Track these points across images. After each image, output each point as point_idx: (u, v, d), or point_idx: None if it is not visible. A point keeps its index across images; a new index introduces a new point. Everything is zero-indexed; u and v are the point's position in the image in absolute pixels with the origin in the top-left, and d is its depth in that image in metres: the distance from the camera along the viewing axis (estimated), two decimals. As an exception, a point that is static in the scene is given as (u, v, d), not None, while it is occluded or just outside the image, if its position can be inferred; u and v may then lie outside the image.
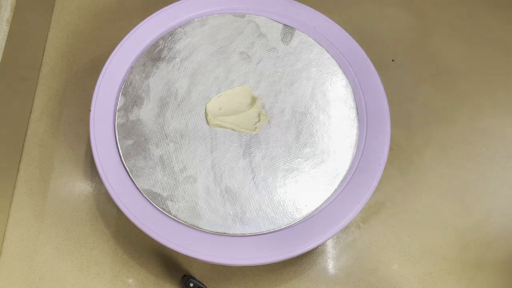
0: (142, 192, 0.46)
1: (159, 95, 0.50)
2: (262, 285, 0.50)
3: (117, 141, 0.48)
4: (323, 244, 0.52)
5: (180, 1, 0.55)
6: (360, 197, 0.46)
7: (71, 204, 0.53)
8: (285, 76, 0.51)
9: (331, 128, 0.49)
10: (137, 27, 0.53)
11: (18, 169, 0.55)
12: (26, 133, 0.57)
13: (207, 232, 0.45)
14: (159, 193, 0.46)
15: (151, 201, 0.46)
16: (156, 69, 0.51)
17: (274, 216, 0.45)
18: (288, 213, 0.45)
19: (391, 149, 0.50)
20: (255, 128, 0.49)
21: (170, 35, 0.53)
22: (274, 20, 0.54)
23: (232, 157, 0.47)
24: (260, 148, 0.48)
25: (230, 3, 0.55)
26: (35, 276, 0.50)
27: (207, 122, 0.49)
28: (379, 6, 0.66)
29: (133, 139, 0.48)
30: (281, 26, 0.53)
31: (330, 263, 0.51)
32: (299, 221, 0.45)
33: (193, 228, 0.45)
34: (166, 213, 0.45)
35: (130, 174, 0.47)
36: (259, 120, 0.49)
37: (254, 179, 0.46)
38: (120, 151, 0.48)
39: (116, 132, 0.48)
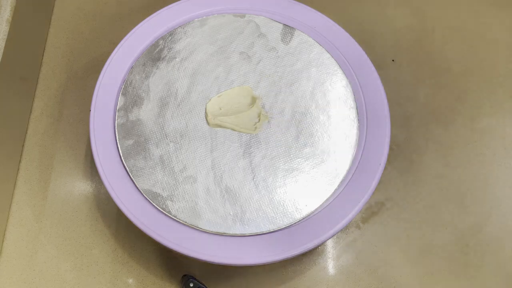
0: (142, 192, 0.46)
1: (159, 95, 0.50)
2: (262, 285, 0.50)
3: (117, 141, 0.48)
4: (323, 244, 0.52)
5: (180, 1, 0.55)
6: (360, 197, 0.46)
7: (71, 204, 0.53)
8: (285, 76, 0.51)
9: (331, 128, 0.49)
10: (137, 27, 0.53)
11: (18, 169, 0.55)
12: (26, 133, 0.57)
13: (207, 232, 0.45)
14: (159, 193, 0.46)
15: (151, 201, 0.46)
16: (156, 69, 0.51)
17: (274, 216, 0.45)
18: (288, 213, 0.45)
19: (391, 149, 0.50)
20: (255, 128, 0.49)
21: (170, 35, 0.53)
22: (274, 20, 0.54)
23: (232, 157, 0.47)
24: (260, 148, 0.48)
25: (230, 3, 0.55)
26: (35, 276, 0.50)
27: (207, 122, 0.49)
28: (379, 6, 0.66)
29: (133, 139, 0.48)
30: (281, 26, 0.53)
31: (330, 263, 0.51)
32: (299, 221, 0.45)
33: (193, 228, 0.45)
34: (166, 213, 0.45)
35: (130, 174, 0.47)
36: (259, 120, 0.49)
37: (254, 179, 0.46)
38: (120, 151, 0.48)
39: (116, 132, 0.48)
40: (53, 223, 0.52)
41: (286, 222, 0.45)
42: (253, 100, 0.50)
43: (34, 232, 0.52)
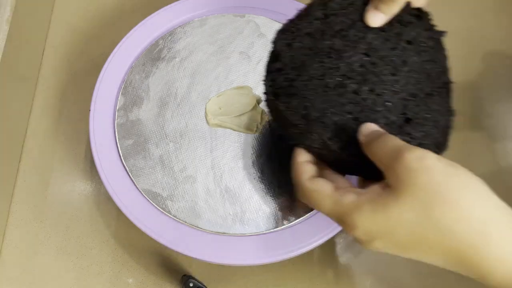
0: (142, 192, 0.46)
1: (159, 95, 0.50)
2: (262, 285, 0.50)
3: (117, 141, 0.48)
4: (323, 244, 0.52)
5: (180, 1, 0.55)
6: (360, 197, 0.45)
7: (71, 204, 0.53)
8: (285, 76, 0.51)
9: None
10: (137, 27, 0.53)
11: (17, 169, 0.55)
12: (25, 133, 0.57)
13: (207, 232, 0.45)
14: (159, 193, 0.46)
15: (151, 201, 0.46)
16: (156, 69, 0.51)
17: (274, 216, 0.45)
18: (288, 213, 0.45)
19: (391, 149, 0.50)
20: (255, 128, 0.49)
21: (170, 35, 0.53)
22: (274, 20, 0.54)
23: (232, 157, 0.47)
24: (260, 148, 0.48)
25: (230, 3, 0.55)
26: (35, 276, 0.50)
27: (207, 122, 0.49)
28: (379, 6, 0.66)
29: (132, 139, 0.48)
30: (281, 26, 0.53)
31: (330, 263, 0.51)
32: (299, 221, 0.45)
33: (193, 228, 0.45)
34: (166, 213, 0.45)
35: (130, 174, 0.47)
36: (259, 120, 0.49)
37: (254, 179, 0.46)
38: (120, 151, 0.48)
39: (116, 132, 0.48)
40: (53, 223, 0.52)
41: (286, 222, 0.45)
42: (253, 100, 0.50)
43: (34, 232, 0.52)
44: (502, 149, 0.58)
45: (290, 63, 0.35)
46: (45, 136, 0.57)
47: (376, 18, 0.34)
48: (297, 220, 0.45)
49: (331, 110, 0.33)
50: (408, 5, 0.35)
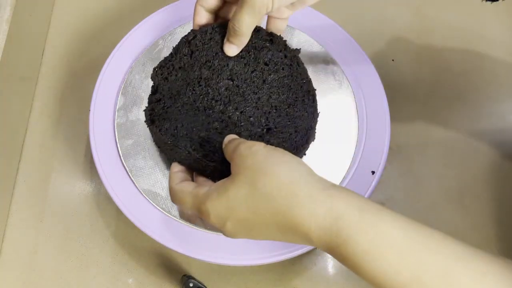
0: (142, 192, 0.46)
1: (159, 95, 0.50)
2: (262, 285, 0.50)
3: (117, 141, 0.48)
4: (323, 244, 0.52)
5: (180, 1, 0.55)
6: (360, 197, 0.45)
7: (71, 204, 0.53)
8: (285, 76, 0.51)
9: (331, 128, 0.49)
10: (136, 27, 0.53)
11: (17, 169, 0.55)
12: (25, 133, 0.57)
13: (207, 232, 0.45)
14: (158, 193, 0.46)
15: (151, 201, 0.46)
16: (156, 69, 0.51)
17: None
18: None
19: (391, 149, 0.50)
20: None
21: (170, 35, 0.53)
22: (274, 20, 0.54)
23: (232, 157, 0.47)
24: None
25: (230, 3, 0.55)
26: (35, 276, 0.50)
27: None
28: (379, 6, 0.66)
29: (132, 139, 0.48)
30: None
31: (330, 263, 0.51)
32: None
33: (193, 228, 0.45)
34: (166, 213, 0.45)
35: (129, 174, 0.47)
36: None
37: (254, 179, 0.46)
38: (120, 151, 0.48)
39: (116, 132, 0.48)
40: (53, 223, 0.52)
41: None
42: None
43: (34, 232, 0.52)
44: (502, 148, 0.58)
45: (167, 93, 0.42)
46: (45, 136, 0.57)
47: (231, 49, 0.41)
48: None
49: (198, 128, 0.40)
50: (261, 32, 0.42)
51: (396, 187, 0.55)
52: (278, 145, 0.40)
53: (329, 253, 0.30)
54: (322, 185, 0.31)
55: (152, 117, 0.42)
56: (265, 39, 0.43)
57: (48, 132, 0.57)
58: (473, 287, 0.27)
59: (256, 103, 0.41)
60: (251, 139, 0.39)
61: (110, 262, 0.51)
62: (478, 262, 0.28)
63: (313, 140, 0.45)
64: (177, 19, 0.54)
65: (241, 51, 0.42)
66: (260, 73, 0.42)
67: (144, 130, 0.48)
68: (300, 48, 0.45)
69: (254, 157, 0.32)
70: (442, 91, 0.61)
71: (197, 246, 0.44)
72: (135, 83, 0.51)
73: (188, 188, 0.35)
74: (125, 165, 0.47)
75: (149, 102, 0.44)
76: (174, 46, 0.44)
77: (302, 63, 0.45)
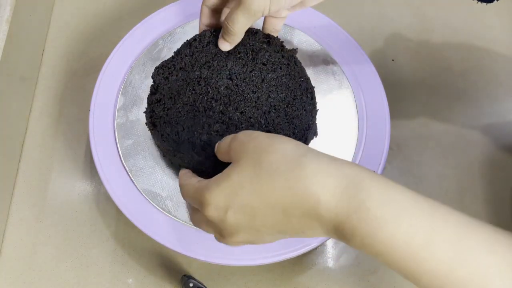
0: (142, 192, 0.46)
1: (159, 95, 0.50)
2: (262, 285, 0.50)
3: (117, 141, 0.48)
4: (323, 244, 0.52)
5: (179, 1, 0.55)
6: (360, 197, 0.45)
7: (70, 204, 0.53)
8: (285, 76, 0.51)
9: (331, 128, 0.49)
10: (136, 26, 0.53)
11: (17, 169, 0.55)
12: (25, 133, 0.57)
13: (207, 232, 0.45)
14: (158, 193, 0.46)
15: (150, 201, 0.46)
16: (156, 69, 0.51)
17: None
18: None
19: (391, 149, 0.50)
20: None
21: (170, 35, 0.53)
22: (274, 20, 0.54)
23: (232, 157, 0.47)
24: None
25: (230, 3, 0.55)
26: (35, 276, 0.50)
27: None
28: (379, 6, 0.66)
29: (132, 139, 0.48)
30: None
31: (330, 263, 0.51)
32: (299, 221, 0.45)
33: (193, 227, 0.45)
34: (166, 213, 0.45)
35: (129, 174, 0.47)
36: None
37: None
38: (120, 151, 0.48)
39: (116, 132, 0.48)
40: (53, 223, 0.52)
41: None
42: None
43: (34, 232, 0.52)
44: (502, 149, 0.58)
45: (167, 93, 0.43)
46: (45, 136, 0.57)
47: (224, 45, 0.43)
48: (297, 220, 0.45)
49: (199, 131, 0.40)
50: (258, 34, 0.44)
51: (396, 187, 0.55)
52: None
53: (336, 232, 0.30)
54: (331, 159, 0.31)
55: (153, 120, 0.43)
56: (262, 41, 0.44)
57: (48, 132, 0.57)
58: (484, 253, 0.27)
59: (256, 102, 0.42)
60: None
61: (110, 262, 0.51)
62: (487, 232, 0.28)
63: (315, 136, 0.46)
64: (177, 19, 0.54)
65: (239, 53, 0.43)
66: (259, 73, 0.43)
67: (144, 130, 0.48)
68: (297, 48, 0.46)
69: (256, 140, 0.32)
70: (442, 90, 0.61)
71: (197, 246, 0.44)
72: (135, 83, 0.51)
73: (192, 182, 0.35)
74: (125, 165, 0.47)
75: (149, 103, 0.44)
76: (176, 49, 0.45)
77: (300, 62, 0.45)
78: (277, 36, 0.45)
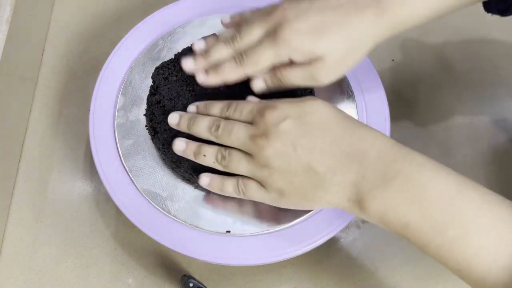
0: (142, 192, 0.46)
1: (159, 95, 0.50)
2: (262, 285, 0.50)
3: (117, 141, 0.48)
4: (323, 245, 0.52)
5: (179, 1, 0.55)
6: (360, 197, 0.45)
7: (70, 204, 0.53)
8: (285, 76, 0.51)
9: (331, 128, 0.49)
10: (136, 26, 0.53)
11: (17, 169, 0.55)
12: (25, 133, 0.57)
13: (207, 232, 0.45)
14: (158, 193, 0.46)
15: (150, 201, 0.46)
16: (156, 69, 0.51)
17: (274, 216, 0.45)
18: (288, 212, 0.45)
19: (391, 149, 0.50)
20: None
21: (169, 35, 0.53)
22: (274, 20, 0.53)
23: (232, 157, 0.47)
24: (260, 148, 0.48)
25: (229, 3, 0.55)
26: (35, 276, 0.50)
27: (207, 122, 0.49)
28: (379, 6, 0.66)
29: (132, 139, 0.48)
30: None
31: (330, 263, 0.51)
32: (299, 221, 0.45)
33: (193, 228, 0.45)
34: (166, 213, 0.45)
35: (129, 174, 0.47)
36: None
37: (254, 179, 0.46)
38: (120, 151, 0.48)
39: (116, 132, 0.48)
40: (53, 223, 0.52)
41: (286, 222, 0.45)
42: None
43: (34, 232, 0.52)
44: (503, 149, 0.58)
45: (167, 94, 0.44)
46: (45, 136, 0.57)
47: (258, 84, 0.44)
48: (297, 220, 0.45)
49: (199, 139, 0.41)
50: None
51: (396, 187, 0.55)
52: None
53: (370, 186, 0.35)
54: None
55: (153, 124, 0.44)
56: None
57: (48, 132, 0.57)
58: (481, 203, 0.37)
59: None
60: None
61: (110, 262, 0.51)
62: (484, 190, 0.38)
63: None
64: (177, 19, 0.54)
65: None
66: None
67: (144, 130, 0.48)
68: None
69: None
70: (442, 91, 0.61)
71: (197, 246, 0.44)
72: (135, 83, 0.51)
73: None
74: (125, 165, 0.47)
75: (149, 104, 0.45)
76: (177, 52, 0.46)
77: None
78: None
